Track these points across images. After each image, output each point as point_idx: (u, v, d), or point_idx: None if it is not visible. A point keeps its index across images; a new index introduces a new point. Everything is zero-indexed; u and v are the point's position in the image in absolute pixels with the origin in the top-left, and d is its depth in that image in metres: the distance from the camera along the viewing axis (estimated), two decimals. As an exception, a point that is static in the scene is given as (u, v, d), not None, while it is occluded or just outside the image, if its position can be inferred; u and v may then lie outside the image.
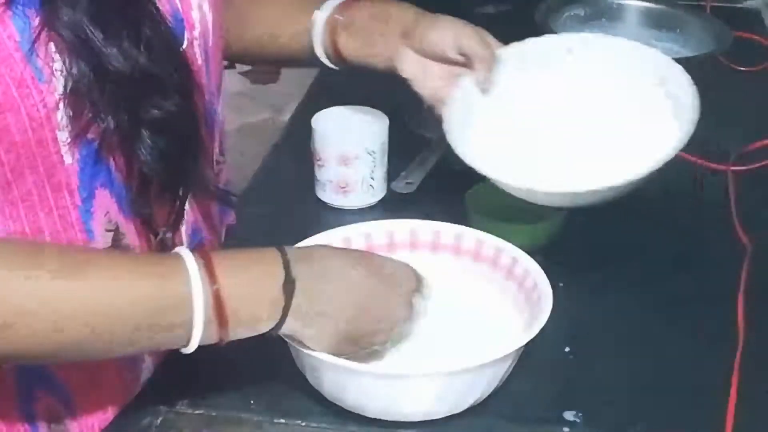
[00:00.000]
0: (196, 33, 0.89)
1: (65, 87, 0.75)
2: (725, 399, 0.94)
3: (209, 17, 0.92)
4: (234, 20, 1.09)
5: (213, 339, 0.81)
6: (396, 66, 1.11)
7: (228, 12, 1.02)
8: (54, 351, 0.75)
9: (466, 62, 1.11)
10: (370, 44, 1.12)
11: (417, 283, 0.92)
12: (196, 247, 0.87)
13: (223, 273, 0.79)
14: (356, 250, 0.97)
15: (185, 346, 0.80)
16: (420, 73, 1.12)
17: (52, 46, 0.74)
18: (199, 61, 0.91)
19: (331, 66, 1.17)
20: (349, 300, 0.86)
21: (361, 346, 0.88)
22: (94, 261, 0.77)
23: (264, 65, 3.01)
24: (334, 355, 0.86)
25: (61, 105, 0.76)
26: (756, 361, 1.00)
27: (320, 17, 1.13)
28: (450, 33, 1.10)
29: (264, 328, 0.83)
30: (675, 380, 0.99)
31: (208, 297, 0.78)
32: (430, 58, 1.11)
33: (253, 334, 0.83)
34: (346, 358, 0.87)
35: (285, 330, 0.84)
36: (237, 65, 3.48)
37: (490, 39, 1.13)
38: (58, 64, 0.75)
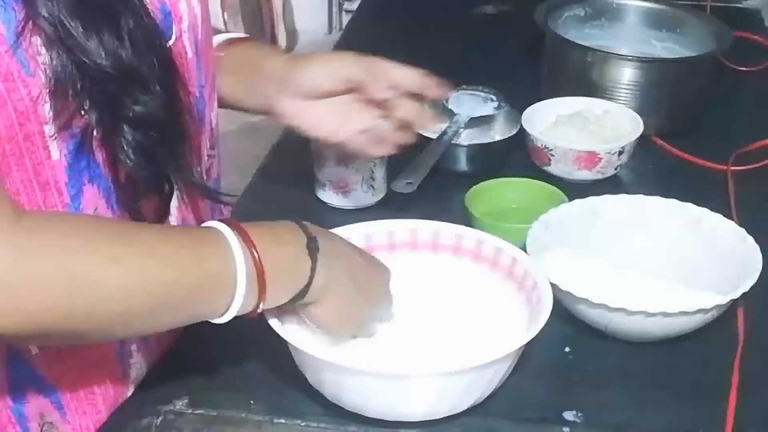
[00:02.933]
0: (185, 26, 0.89)
1: (49, 80, 0.75)
2: (725, 399, 0.94)
3: (197, 9, 0.92)
4: None
5: (250, 307, 0.83)
6: (274, 115, 1.10)
7: None
8: (108, 325, 0.77)
9: (358, 89, 1.09)
10: (245, 91, 1.11)
11: (389, 273, 0.97)
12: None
13: (258, 241, 0.82)
14: None
15: (221, 315, 0.82)
16: (301, 117, 1.09)
17: (37, 39, 0.74)
18: (189, 54, 0.91)
19: None
20: (355, 265, 0.91)
21: (360, 316, 0.93)
22: (148, 234, 0.80)
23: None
24: (337, 329, 0.91)
25: (46, 98, 0.76)
26: (756, 361, 1.00)
27: None
28: (323, 68, 1.08)
29: (293, 292, 0.86)
30: (675, 380, 0.99)
31: (250, 265, 0.81)
32: (313, 98, 1.08)
33: (280, 302, 0.86)
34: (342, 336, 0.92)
35: (308, 298, 0.87)
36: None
37: (382, 63, 1.11)
38: (42, 57, 0.75)
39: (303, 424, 0.92)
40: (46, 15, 0.74)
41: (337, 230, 1.03)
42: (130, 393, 0.95)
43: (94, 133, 0.80)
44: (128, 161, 0.81)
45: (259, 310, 0.85)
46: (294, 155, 1.37)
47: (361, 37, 1.93)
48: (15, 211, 0.72)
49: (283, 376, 0.95)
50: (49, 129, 0.77)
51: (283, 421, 0.92)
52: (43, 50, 0.75)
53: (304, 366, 0.91)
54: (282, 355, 0.92)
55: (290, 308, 0.89)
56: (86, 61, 0.76)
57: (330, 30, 3.77)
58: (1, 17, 0.72)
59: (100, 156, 0.82)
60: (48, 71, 0.75)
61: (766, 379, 0.99)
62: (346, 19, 3.55)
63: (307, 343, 0.90)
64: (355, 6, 2.77)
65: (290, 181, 1.32)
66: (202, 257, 0.80)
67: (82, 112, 0.78)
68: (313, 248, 0.87)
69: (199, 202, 0.97)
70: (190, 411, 0.93)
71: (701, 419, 0.93)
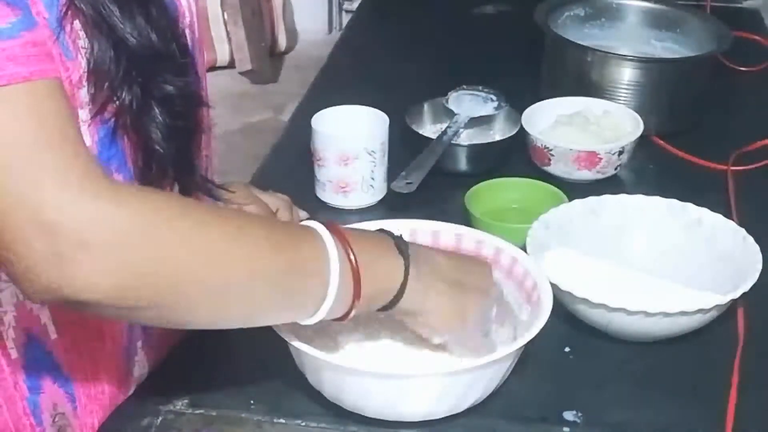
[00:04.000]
0: (186, 22, 0.90)
1: (88, 63, 0.77)
2: (725, 399, 0.94)
3: (194, 9, 0.93)
4: None
5: (342, 307, 0.84)
6: None
7: None
8: (198, 315, 0.77)
9: None
10: None
11: (488, 265, 0.96)
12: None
13: (354, 242, 0.83)
14: None
15: (312, 315, 0.83)
16: None
17: (77, 23, 0.76)
18: (190, 50, 0.92)
19: None
20: (447, 263, 0.91)
21: (469, 312, 0.91)
22: (246, 224, 0.80)
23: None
24: (449, 326, 0.90)
25: (84, 81, 0.78)
26: (756, 361, 1.00)
27: None
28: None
29: (389, 293, 0.86)
30: (675, 380, 0.99)
31: (345, 262, 0.82)
32: None
33: (374, 305, 0.86)
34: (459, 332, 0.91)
35: (404, 303, 0.87)
36: (237, 65, 3.50)
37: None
38: (82, 41, 0.77)
39: (303, 424, 0.92)
40: None
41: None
42: (130, 393, 0.95)
43: (126, 118, 0.81)
44: (156, 144, 0.83)
45: (352, 314, 0.84)
46: (294, 155, 1.37)
47: (361, 37, 1.94)
48: (106, 174, 0.73)
49: (283, 376, 0.95)
50: (84, 114, 0.79)
51: (283, 421, 0.92)
52: (82, 34, 0.77)
53: (304, 366, 0.91)
54: (282, 355, 0.92)
55: None
56: (125, 41, 0.78)
57: (330, 30, 3.77)
58: (44, 2, 0.73)
59: (126, 145, 0.83)
60: (87, 54, 0.77)
61: (766, 379, 0.99)
62: (346, 19, 3.55)
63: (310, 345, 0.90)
64: (355, 6, 2.77)
65: (290, 181, 1.32)
66: (299, 243, 0.81)
67: (117, 95, 0.79)
68: (403, 248, 0.87)
69: (199, 198, 0.97)
70: (190, 411, 0.93)
71: (701, 419, 0.93)
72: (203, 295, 0.76)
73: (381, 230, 0.91)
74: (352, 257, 0.82)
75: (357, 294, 0.83)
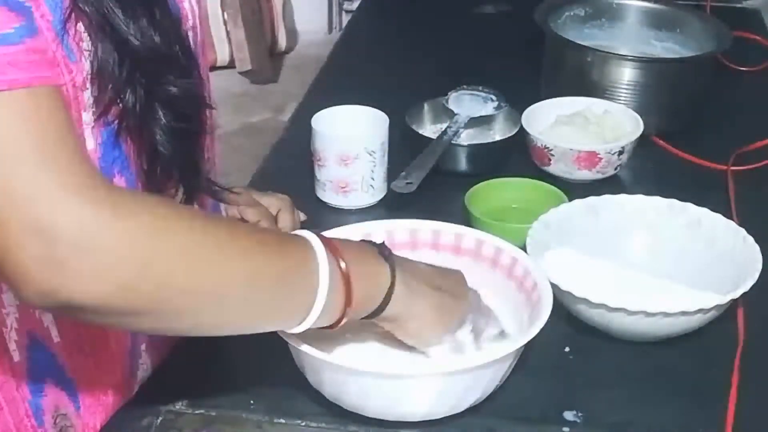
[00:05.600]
0: (189, 25, 0.90)
1: (92, 65, 0.78)
2: (725, 399, 0.94)
3: (196, 11, 0.93)
4: None
5: (333, 314, 0.84)
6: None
7: None
8: (194, 315, 0.78)
9: None
10: None
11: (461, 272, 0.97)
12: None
13: (343, 251, 0.84)
14: None
15: (301, 322, 0.83)
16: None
17: (81, 25, 0.76)
18: (194, 52, 0.92)
19: None
20: (427, 270, 0.92)
21: (452, 317, 0.92)
22: (239, 229, 0.82)
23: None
24: (432, 331, 0.91)
25: (87, 84, 0.78)
26: (756, 361, 1.00)
27: None
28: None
29: (376, 301, 0.87)
30: (675, 380, 0.99)
31: (335, 271, 0.82)
32: None
33: (363, 313, 0.87)
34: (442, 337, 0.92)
35: (391, 308, 0.88)
36: (237, 65, 3.50)
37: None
38: (85, 44, 0.77)
39: (303, 424, 0.92)
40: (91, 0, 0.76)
41: (337, 230, 1.03)
42: (132, 394, 0.95)
43: (129, 121, 0.81)
44: (160, 146, 0.83)
45: (343, 321, 0.85)
46: (294, 155, 1.37)
47: (361, 37, 1.94)
48: (104, 179, 0.73)
49: (283, 376, 0.95)
50: (87, 117, 0.79)
51: (283, 421, 0.92)
52: (86, 36, 0.77)
53: (304, 366, 0.91)
54: (282, 355, 0.92)
55: None
56: (128, 43, 0.78)
57: (330, 30, 3.77)
58: (48, 3, 0.74)
59: (130, 147, 0.83)
60: (91, 57, 0.77)
61: (766, 379, 0.99)
62: (346, 19, 3.56)
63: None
64: (355, 6, 2.77)
65: (290, 181, 1.32)
66: (290, 251, 0.82)
67: (120, 98, 0.80)
68: (387, 254, 0.88)
69: (203, 200, 0.97)
70: (190, 411, 0.93)
71: (701, 419, 0.93)
72: (195, 303, 0.77)
73: (363, 240, 0.92)
74: (342, 265, 0.83)
75: (348, 301, 0.84)
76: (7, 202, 0.68)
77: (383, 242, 0.91)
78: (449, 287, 0.93)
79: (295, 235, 0.85)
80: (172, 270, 0.73)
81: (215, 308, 0.78)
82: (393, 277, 0.87)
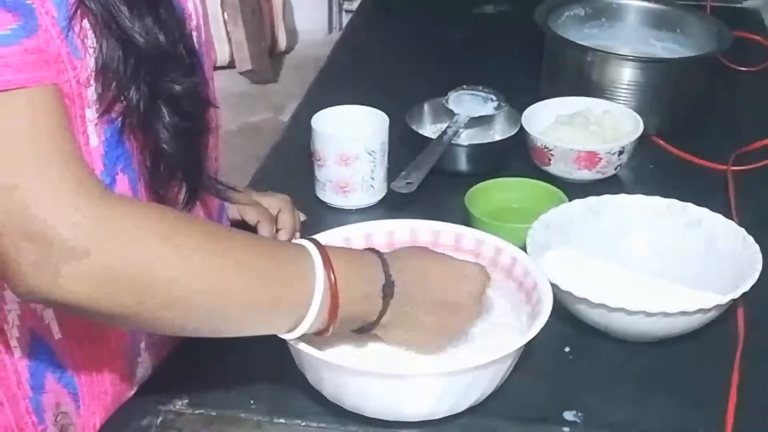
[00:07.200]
0: (193, 25, 0.90)
1: (96, 62, 0.78)
2: (725, 399, 0.94)
3: (200, 11, 0.93)
4: None
5: (319, 326, 0.85)
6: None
7: None
8: (181, 321, 0.79)
9: None
10: None
11: (486, 282, 0.94)
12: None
13: (338, 265, 0.84)
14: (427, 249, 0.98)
15: (291, 329, 0.85)
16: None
17: (86, 22, 0.77)
18: (197, 51, 0.92)
19: None
20: (436, 280, 0.91)
21: (447, 334, 0.93)
22: (234, 240, 0.81)
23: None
24: (425, 350, 0.91)
25: (92, 81, 0.78)
26: (756, 361, 1.00)
27: None
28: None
29: (359, 324, 0.89)
30: (675, 380, 0.99)
31: (327, 284, 0.83)
32: None
33: (348, 329, 0.89)
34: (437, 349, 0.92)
35: (378, 330, 0.90)
36: (237, 65, 3.49)
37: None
38: (90, 41, 0.77)
39: (303, 424, 0.92)
40: None
41: (337, 230, 1.03)
42: (132, 394, 0.95)
43: (133, 118, 0.82)
44: (164, 144, 0.83)
45: (330, 331, 0.86)
46: (294, 155, 1.37)
47: (361, 37, 1.94)
48: (98, 183, 0.74)
49: (283, 376, 0.95)
50: (91, 113, 0.79)
51: (283, 421, 0.92)
52: (91, 33, 0.77)
53: (304, 366, 0.91)
54: (282, 355, 0.92)
55: None
56: (133, 40, 0.78)
57: (330, 30, 3.77)
58: (53, 0, 0.74)
59: (133, 145, 0.83)
60: (95, 54, 0.77)
61: (766, 379, 0.99)
62: (346, 19, 3.56)
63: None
64: (355, 6, 2.77)
65: (290, 181, 1.32)
66: (288, 258, 0.83)
67: (124, 95, 0.80)
68: (388, 293, 0.88)
69: (207, 200, 0.98)
70: (190, 411, 0.93)
71: (701, 419, 0.93)
72: (185, 310, 0.78)
73: (369, 249, 0.92)
74: (332, 277, 0.84)
75: (333, 316, 0.85)
76: (1, 207, 0.69)
77: (393, 279, 0.88)
78: (456, 298, 0.91)
79: (296, 243, 0.86)
80: (165, 278, 0.75)
81: (205, 315, 0.80)
82: (381, 315, 0.88)
